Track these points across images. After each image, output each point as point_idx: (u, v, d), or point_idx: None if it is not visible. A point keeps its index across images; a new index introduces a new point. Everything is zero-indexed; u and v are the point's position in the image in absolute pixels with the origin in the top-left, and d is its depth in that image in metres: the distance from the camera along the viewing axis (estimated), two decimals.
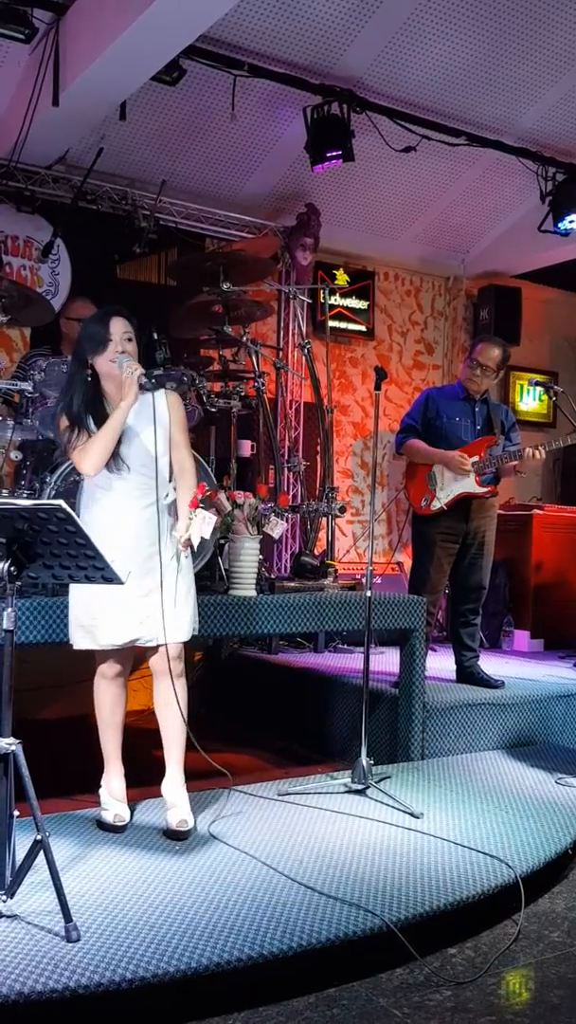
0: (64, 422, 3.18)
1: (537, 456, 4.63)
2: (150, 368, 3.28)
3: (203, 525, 3.22)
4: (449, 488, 4.77)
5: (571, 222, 6.44)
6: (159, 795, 3.30)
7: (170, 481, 3.27)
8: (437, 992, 2.53)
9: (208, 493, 3.41)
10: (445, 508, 4.78)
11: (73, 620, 3.19)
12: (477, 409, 4.91)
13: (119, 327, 3.16)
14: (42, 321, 4.64)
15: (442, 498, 4.79)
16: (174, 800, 3.25)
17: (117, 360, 3.13)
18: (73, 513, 2.44)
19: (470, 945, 2.82)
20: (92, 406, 3.17)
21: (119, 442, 3.14)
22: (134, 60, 4.49)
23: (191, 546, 3.26)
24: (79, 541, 2.51)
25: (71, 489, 3.72)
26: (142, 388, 3.13)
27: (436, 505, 4.80)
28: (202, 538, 3.28)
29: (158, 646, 3.19)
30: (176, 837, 3.17)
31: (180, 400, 3.37)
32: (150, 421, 3.19)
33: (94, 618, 3.13)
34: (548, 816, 3.57)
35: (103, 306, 3.30)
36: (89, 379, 3.18)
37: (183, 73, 5.05)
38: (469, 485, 4.75)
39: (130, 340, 3.18)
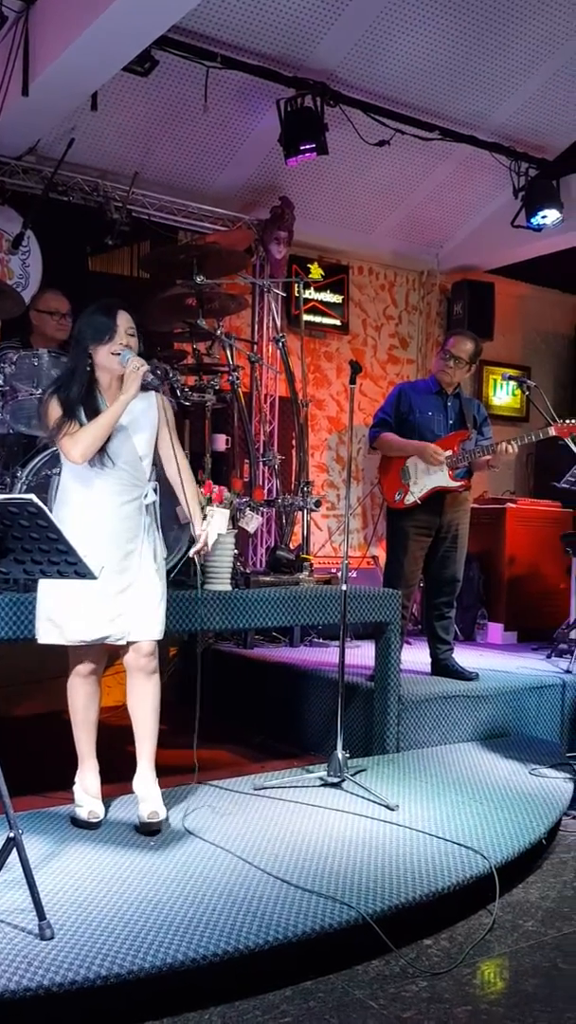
0: (56, 409, 3.14)
1: (510, 450, 4.65)
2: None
3: (218, 521, 3.24)
4: (422, 482, 4.78)
5: (544, 217, 6.46)
6: (133, 792, 3.29)
7: (149, 480, 3.24)
8: (413, 983, 2.54)
9: (215, 492, 3.44)
10: (419, 502, 4.80)
11: (42, 613, 3.16)
12: (450, 404, 4.92)
13: (124, 320, 3.16)
14: (12, 313, 4.59)
15: (415, 492, 4.80)
16: (145, 795, 3.24)
17: (121, 354, 3.11)
18: (45, 507, 2.42)
19: (445, 936, 2.84)
20: (88, 397, 3.14)
21: (108, 437, 3.11)
22: (105, 50, 4.44)
23: (207, 545, 3.30)
24: (51, 536, 2.48)
25: (43, 484, 3.69)
26: (146, 386, 3.11)
27: (409, 499, 4.81)
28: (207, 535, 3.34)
29: (129, 644, 3.18)
30: (148, 830, 3.15)
31: (168, 401, 3.37)
32: (142, 421, 3.18)
33: (64, 613, 3.10)
34: (522, 807, 3.59)
35: (78, 299, 3.28)
36: (89, 369, 3.16)
37: (155, 64, 5.01)
38: (442, 479, 4.76)
39: (133, 335, 3.17)
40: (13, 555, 2.54)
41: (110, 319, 3.14)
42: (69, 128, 5.38)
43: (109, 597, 3.10)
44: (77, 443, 3.08)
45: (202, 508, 3.48)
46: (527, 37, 5.59)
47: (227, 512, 3.36)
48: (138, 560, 3.17)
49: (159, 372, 4.35)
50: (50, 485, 3.58)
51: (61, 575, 2.61)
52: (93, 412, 3.13)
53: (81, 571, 2.57)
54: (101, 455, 3.11)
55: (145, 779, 3.26)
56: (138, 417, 3.20)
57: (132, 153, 5.84)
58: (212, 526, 3.26)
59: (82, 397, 3.14)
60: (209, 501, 3.42)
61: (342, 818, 3.41)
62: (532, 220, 6.51)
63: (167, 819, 3.24)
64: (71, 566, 2.56)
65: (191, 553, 3.40)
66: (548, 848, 3.55)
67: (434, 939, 2.81)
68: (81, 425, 3.10)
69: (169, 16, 4.28)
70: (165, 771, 3.38)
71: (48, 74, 4.57)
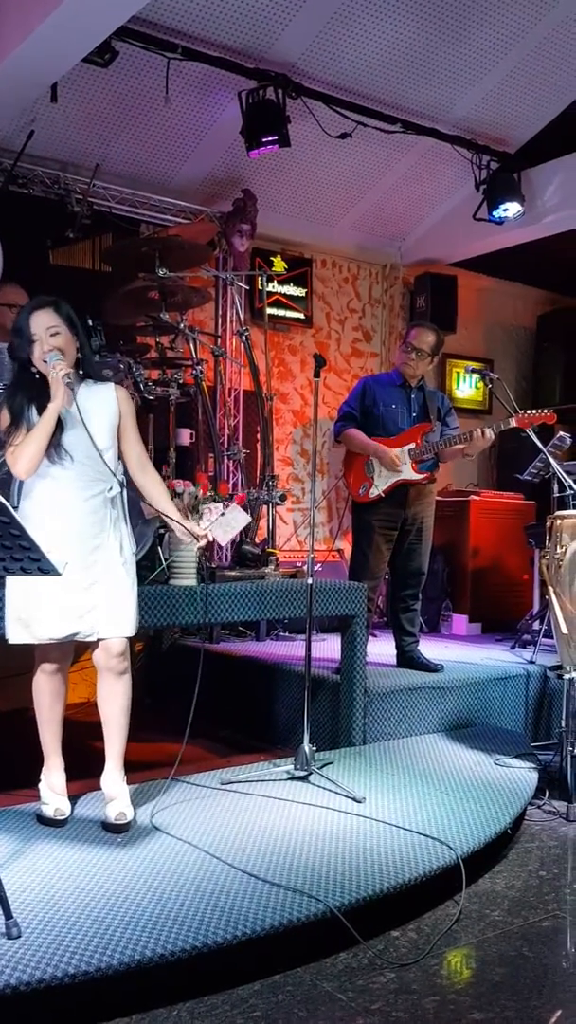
0: (6, 418, 3.11)
1: (486, 435, 4.67)
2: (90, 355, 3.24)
3: (238, 519, 3.25)
4: (386, 476, 4.81)
5: (505, 210, 6.50)
6: (100, 788, 3.27)
7: (115, 474, 3.21)
8: (381, 975, 2.55)
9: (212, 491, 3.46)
10: (383, 495, 4.82)
11: (11, 613, 3.12)
12: (413, 396, 4.95)
13: (41, 323, 3.08)
14: None
15: (379, 485, 4.82)
16: (113, 794, 3.22)
17: (48, 359, 3.06)
18: (7, 504, 2.39)
19: (413, 927, 2.86)
20: (39, 400, 3.10)
21: (62, 431, 3.08)
22: (64, 41, 4.40)
23: (213, 542, 3.31)
24: (13, 532, 2.45)
25: (4, 480, 3.65)
26: (69, 386, 3.06)
27: (374, 492, 4.83)
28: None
29: (99, 640, 3.15)
30: (115, 830, 3.14)
31: (128, 394, 3.33)
32: (97, 413, 3.14)
33: (32, 611, 3.07)
34: (487, 797, 3.62)
35: (38, 292, 3.23)
36: (37, 376, 3.12)
37: (115, 55, 4.96)
38: (406, 472, 4.79)
39: (55, 334, 3.08)
40: None
41: (26, 326, 3.09)
42: (29, 120, 5.32)
43: (77, 593, 3.07)
44: (17, 460, 3.05)
45: (196, 506, 3.51)
46: (488, 30, 5.61)
47: (245, 515, 3.37)
48: (105, 555, 3.14)
49: (120, 367, 4.33)
50: (12, 482, 3.54)
51: (24, 572, 2.58)
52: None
53: (45, 568, 2.54)
54: (58, 451, 3.08)
55: (113, 778, 3.25)
56: (94, 410, 3.14)
57: (93, 145, 5.78)
58: (219, 527, 3.25)
59: (31, 401, 3.10)
60: (218, 498, 3.43)
61: (309, 811, 3.41)
62: (494, 213, 6.55)
63: (135, 818, 3.23)
64: (34, 563, 2.54)
65: (196, 548, 3.36)
66: (513, 838, 3.59)
67: (401, 930, 2.83)
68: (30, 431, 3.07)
69: (129, 6, 4.25)
70: (133, 767, 3.36)
71: (6, 65, 4.51)
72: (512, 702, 4.95)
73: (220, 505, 3.87)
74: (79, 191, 5.81)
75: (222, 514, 3.55)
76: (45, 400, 3.09)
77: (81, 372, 3.19)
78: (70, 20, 4.16)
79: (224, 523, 3.39)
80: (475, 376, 7.81)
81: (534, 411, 4.70)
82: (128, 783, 3.29)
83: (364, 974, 2.56)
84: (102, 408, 3.19)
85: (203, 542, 3.43)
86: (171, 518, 3.35)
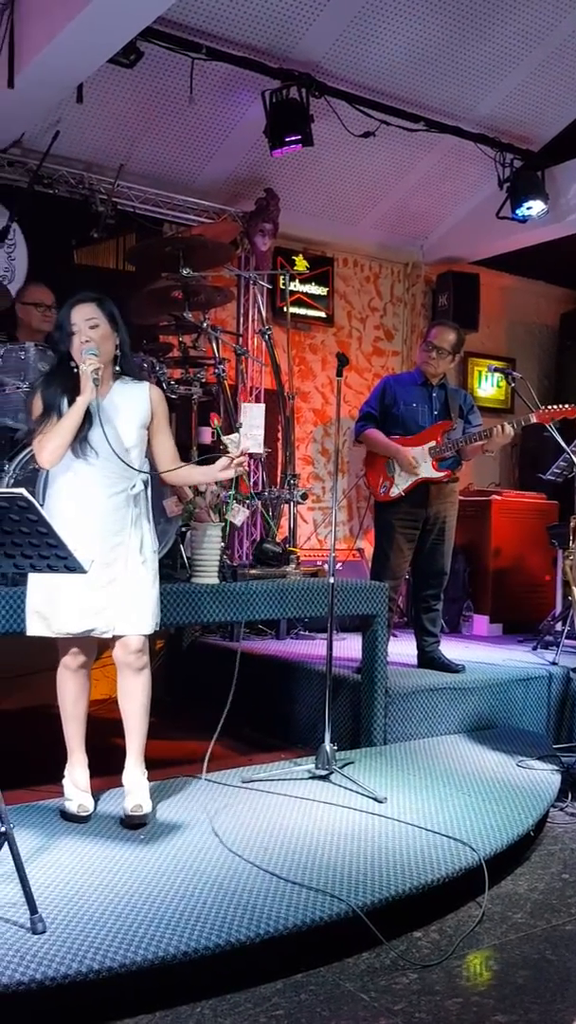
0: (38, 407, 3.14)
1: (505, 431, 4.66)
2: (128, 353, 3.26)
3: (253, 419, 3.24)
4: (407, 474, 4.80)
5: (529, 208, 6.46)
6: (123, 784, 3.29)
7: (140, 472, 3.23)
8: (403, 975, 2.56)
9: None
10: (403, 494, 4.82)
11: (31, 606, 3.15)
12: (435, 394, 4.94)
13: (81, 314, 3.12)
14: None
15: (400, 484, 4.82)
16: (132, 788, 3.24)
17: (83, 352, 3.09)
18: (35, 501, 2.41)
19: (435, 928, 2.86)
20: (72, 393, 3.12)
21: (89, 427, 3.10)
22: (91, 42, 4.41)
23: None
24: (41, 530, 2.47)
25: (30, 477, 3.67)
26: (95, 382, 3.08)
27: (394, 491, 4.83)
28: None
29: (115, 637, 3.17)
30: (132, 823, 3.16)
31: (162, 393, 3.35)
32: (129, 412, 3.17)
33: (51, 605, 3.10)
34: (510, 799, 3.61)
35: (64, 292, 3.26)
36: (74, 369, 3.13)
37: (141, 56, 4.97)
38: (426, 470, 4.79)
39: (94, 327, 3.12)
40: (3, 549, 2.53)
41: (66, 318, 3.13)
42: (54, 120, 5.34)
43: (95, 590, 3.09)
44: (42, 449, 3.08)
45: (218, 506, 3.51)
46: (512, 28, 5.58)
47: (259, 408, 3.35)
48: (125, 552, 3.16)
49: (144, 366, 4.34)
50: (37, 478, 3.57)
51: (51, 569, 2.60)
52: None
53: (71, 565, 2.56)
54: (83, 446, 3.10)
55: (133, 774, 3.27)
56: (124, 408, 3.18)
57: (117, 145, 5.80)
58: (247, 433, 3.24)
59: (65, 393, 3.12)
60: (244, 498, 3.43)
61: (331, 811, 3.42)
62: (517, 211, 6.51)
63: (153, 812, 3.24)
64: (61, 560, 2.56)
65: (234, 463, 3.31)
66: (536, 840, 3.58)
67: (424, 931, 2.83)
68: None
69: (155, 7, 4.25)
70: (154, 764, 3.38)
71: (33, 66, 4.53)
72: (534, 704, 4.93)
73: (244, 508, 3.89)
74: (103, 191, 5.83)
75: (239, 426, 3.52)
76: (77, 393, 3.11)
77: (118, 368, 3.22)
78: (96, 22, 4.17)
79: (246, 432, 3.36)
80: (497, 375, 7.76)
81: (555, 406, 4.69)
82: (149, 780, 3.31)
83: (387, 974, 2.56)
84: (132, 406, 3.21)
85: (243, 460, 3.36)
86: (207, 474, 3.37)
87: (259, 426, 3.39)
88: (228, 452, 3.36)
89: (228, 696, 3.52)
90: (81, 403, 3.07)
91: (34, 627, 3.15)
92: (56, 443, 3.06)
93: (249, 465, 3.28)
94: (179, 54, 5.19)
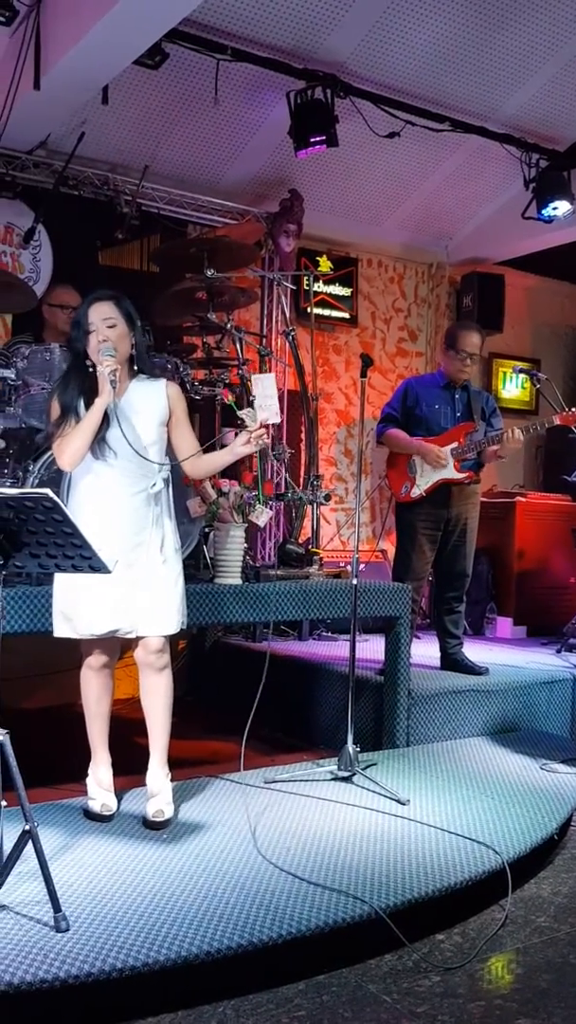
0: (56, 409, 3.15)
1: (516, 437, 4.64)
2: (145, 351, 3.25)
3: (266, 389, 3.24)
4: (428, 475, 4.79)
5: (554, 209, 6.42)
6: (145, 784, 3.30)
7: (159, 471, 3.23)
8: (426, 978, 2.55)
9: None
10: (424, 495, 4.80)
11: (56, 608, 3.17)
12: (457, 396, 4.92)
13: (99, 314, 3.11)
14: (24, 308, 4.59)
15: (421, 485, 4.81)
16: (155, 790, 3.25)
17: (101, 351, 3.09)
18: (60, 502, 2.42)
19: (458, 931, 2.84)
20: (88, 394, 3.13)
21: (107, 427, 3.11)
22: (116, 44, 4.43)
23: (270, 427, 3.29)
24: (66, 530, 2.49)
25: (55, 477, 3.69)
26: (113, 383, 3.08)
27: (416, 492, 4.82)
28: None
29: (139, 638, 3.18)
30: (153, 827, 3.17)
31: (179, 390, 3.34)
32: (147, 410, 3.17)
33: (75, 606, 3.11)
34: (533, 802, 3.59)
35: (89, 293, 3.26)
36: (91, 369, 3.14)
37: (166, 57, 4.99)
38: (448, 471, 4.77)
39: (112, 326, 3.11)
40: (28, 549, 2.55)
41: (84, 317, 3.12)
42: (80, 122, 5.37)
43: (118, 590, 3.10)
44: (62, 451, 3.09)
45: (241, 506, 3.49)
46: (538, 27, 5.55)
47: (271, 376, 3.33)
48: (146, 552, 3.16)
49: (168, 367, 4.36)
50: (62, 479, 3.58)
51: (76, 569, 2.62)
52: None
53: (96, 565, 2.58)
54: (101, 447, 3.11)
55: (156, 774, 3.27)
56: (140, 406, 3.18)
57: (142, 146, 5.83)
58: (261, 403, 3.23)
59: (82, 394, 3.12)
60: (267, 499, 3.41)
61: (353, 812, 3.41)
62: (543, 212, 6.47)
63: (175, 812, 3.25)
64: (86, 560, 2.57)
65: (253, 436, 3.24)
66: (560, 844, 3.55)
67: (447, 934, 2.82)
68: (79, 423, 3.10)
69: (180, 9, 4.26)
70: (177, 764, 3.39)
71: (59, 68, 4.56)
72: (558, 707, 4.90)
73: (268, 509, 3.89)
74: (128, 192, 5.86)
75: (253, 398, 3.49)
76: (94, 395, 3.11)
77: (136, 368, 3.23)
78: (122, 23, 4.19)
79: (261, 403, 3.34)
80: (522, 376, 7.71)
81: None
82: (172, 780, 3.32)
83: (409, 977, 2.55)
84: (150, 404, 3.21)
85: (263, 432, 3.27)
86: (230, 452, 3.30)
87: (272, 396, 3.37)
88: (247, 427, 3.33)
89: (254, 696, 3.52)
90: (99, 405, 3.06)
91: (60, 629, 3.18)
92: (76, 445, 3.07)
93: (270, 433, 3.25)
94: (204, 55, 5.20)
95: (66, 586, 3.13)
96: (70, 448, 3.07)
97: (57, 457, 3.12)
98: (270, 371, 6.48)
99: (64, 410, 3.13)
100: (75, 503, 3.15)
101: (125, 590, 3.11)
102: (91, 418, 3.07)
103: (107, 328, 3.11)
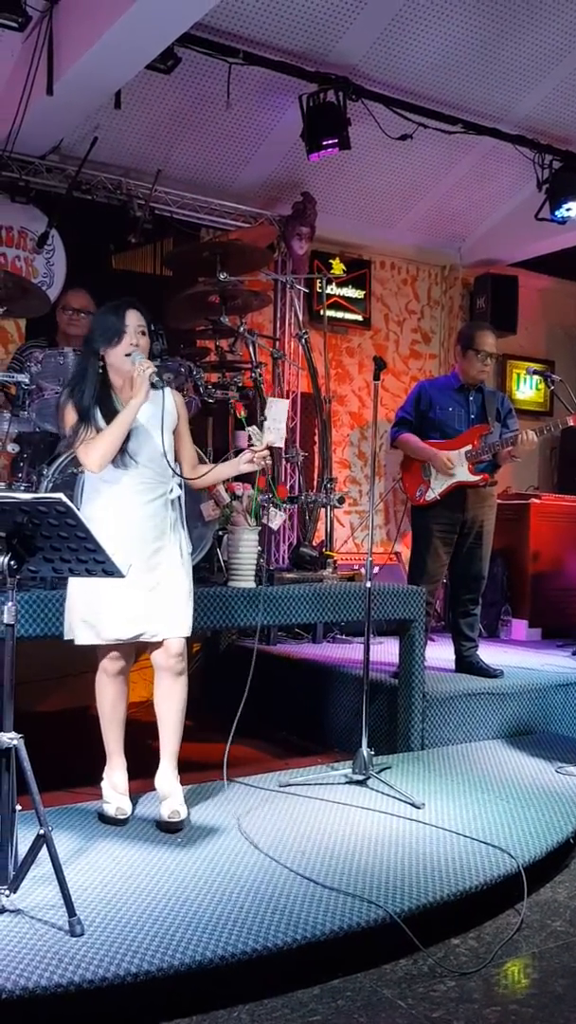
0: (72, 415, 3.15)
1: (531, 437, 4.62)
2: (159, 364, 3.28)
3: (277, 414, 3.29)
4: (443, 478, 4.78)
5: (568, 210, 6.41)
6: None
7: (174, 476, 3.25)
8: (441, 982, 2.54)
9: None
10: (439, 498, 4.79)
11: (75, 615, 3.16)
12: (472, 398, 4.91)
13: (134, 319, 3.14)
14: (37, 312, 4.61)
15: (436, 488, 4.79)
16: (166, 792, 3.25)
17: (132, 355, 3.10)
18: (73, 506, 2.43)
19: (473, 935, 2.83)
20: (100, 400, 3.14)
21: (127, 437, 3.12)
22: (129, 48, 4.45)
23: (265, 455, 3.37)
24: (80, 535, 2.49)
25: (68, 481, 3.71)
26: (153, 385, 3.11)
27: (430, 495, 4.80)
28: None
29: (159, 641, 3.18)
30: (169, 829, 3.17)
31: (182, 397, 3.39)
32: (158, 416, 3.18)
33: (98, 613, 3.11)
34: (549, 805, 3.57)
35: (102, 297, 3.27)
36: (101, 371, 3.16)
37: (178, 61, 5.00)
38: (462, 474, 4.76)
39: (144, 334, 3.16)
40: (42, 553, 2.56)
41: (119, 319, 3.13)
42: (92, 127, 5.40)
43: (141, 594, 3.11)
44: (92, 452, 3.09)
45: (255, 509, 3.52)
46: (550, 28, 5.53)
47: (282, 404, 3.40)
48: (167, 556, 3.18)
49: (181, 370, 4.37)
50: (76, 483, 3.59)
51: (89, 573, 2.62)
52: (110, 414, 3.12)
53: (109, 569, 2.58)
54: (122, 455, 3.12)
55: (167, 777, 3.27)
56: (155, 413, 3.19)
57: (155, 151, 5.84)
58: (271, 426, 3.29)
59: (97, 400, 3.14)
60: (281, 503, 3.44)
61: (368, 816, 3.40)
62: (556, 212, 6.46)
63: (189, 817, 3.25)
64: (99, 564, 2.58)
65: (257, 456, 3.33)
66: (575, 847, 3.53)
67: (462, 938, 2.80)
68: (98, 429, 3.10)
69: (193, 14, 4.28)
70: (189, 767, 3.39)
71: (72, 73, 4.58)
72: (573, 709, 4.87)
73: (282, 512, 3.90)
74: (141, 196, 5.88)
75: (263, 419, 3.55)
76: (107, 400, 3.13)
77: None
78: (134, 28, 4.21)
79: (270, 426, 3.39)
80: (536, 377, 7.70)
81: None
82: (184, 783, 3.32)
83: (425, 981, 2.54)
84: (162, 411, 3.22)
85: (266, 454, 3.37)
86: (231, 467, 3.39)
87: (282, 420, 3.43)
88: (252, 445, 3.39)
89: (268, 699, 3.52)
90: (135, 405, 3.08)
91: (82, 636, 3.17)
92: (106, 448, 3.07)
93: (274, 456, 3.34)
94: (216, 59, 5.22)
95: (87, 593, 3.12)
96: (99, 450, 3.08)
97: (84, 459, 3.12)
98: (283, 376, 6.49)
99: (82, 415, 3.13)
100: (94, 509, 3.15)
101: (147, 594, 3.12)
102: (125, 418, 3.08)
103: (139, 335, 3.14)
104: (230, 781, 3.70)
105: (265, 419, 3.51)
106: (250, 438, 3.46)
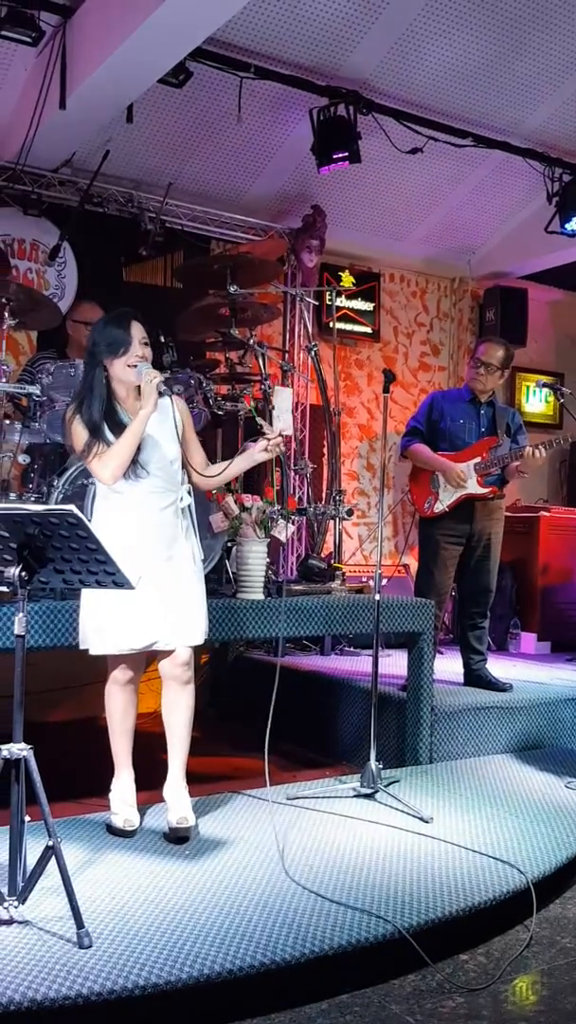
0: (82, 431, 3.16)
1: (537, 455, 4.62)
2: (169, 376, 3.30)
3: (282, 401, 3.31)
4: (451, 490, 4.77)
5: None
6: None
7: (183, 484, 3.26)
8: (450, 998, 2.52)
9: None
10: (447, 510, 4.79)
11: (89, 625, 3.18)
12: (483, 411, 4.91)
13: (138, 331, 3.17)
14: (49, 324, 4.63)
15: (444, 500, 4.79)
16: (174, 802, 3.25)
17: (138, 367, 3.12)
18: (84, 518, 2.44)
19: (482, 951, 2.81)
20: (110, 416, 3.16)
21: (137, 448, 3.13)
22: (141, 63, 4.49)
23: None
24: (90, 546, 2.50)
25: (79, 492, 3.72)
26: (159, 395, 3.13)
27: (439, 507, 4.80)
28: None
29: (171, 650, 3.19)
30: (177, 836, 3.16)
31: (184, 404, 3.41)
32: (165, 425, 3.20)
33: (111, 623, 3.12)
34: (558, 820, 3.55)
35: (113, 309, 3.29)
36: (105, 382, 3.17)
37: (190, 75, 5.04)
38: (471, 486, 4.76)
39: (147, 344, 3.18)
40: (53, 565, 2.56)
41: (124, 331, 3.14)
42: (104, 140, 5.43)
43: (154, 603, 3.11)
44: (105, 466, 3.10)
45: (264, 521, 3.54)
46: (560, 43, 5.55)
47: (287, 392, 3.43)
48: (179, 565, 3.20)
49: (191, 382, 4.38)
50: (86, 493, 3.60)
51: (99, 584, 2.63)
52: (116, 426, 3.14)
53: (119, 580, 2.59)
54: (133, 466, 3.13)
55: (175, 786, 3.27)
56: (162, 422, 3.21)
57: (166, 164, 5.88)
58: (279, 415, 3.31)
59: (103, 414, 3.15)
60: (289, 514, 3.47)
61: (376, 830, 3.39)
62: (566, 225, 6.47)
63: (196, 826, 3.25)
64: (109, 576, 2.58)
65: (271, 443, 3.35)
66: None
67: (471, 954, 2.79)
68: (108, 442, 3.12)
69: (204, 28, 4.31)
70: (198, 779, 3.38)
71: (85, 87, 4.62)
72: None
73: (290, 524, 3.90)
74: (152, 209, 5.91)
75: (272, 408, 3.59)
76: (112, 412, 3.16)
77: None
78: (147, 43, 4.24)
79: (278, 414, 3.42)
80: (546, 390, 7.71)
81: None
82: (192, 795, 3.31)
83: (433, 997, 2.53)
84: (166, 421, 3.24)
85: (279, 441, 3.39)
86: (247, 459, 3.40)
87: (287, 409, 3.49)
88: (264, 434, 3.41)
89: (266, 711, 3.49)
90: (144, 415, 3.10)
91: (96, 646, 3.18)
92: (120, 459, 3.09)
93: (286, 441, 3.38)
94: (228, 73, 5.25)
95: (100, 603, 3.13)
96: (113, 462, 3.09)
97: (99, 472, 3.13)
98: (291, 386, 6.51)
99: (94, 430, 3.15)
100: (105, 519, 3.16)
101: (159, 603, 3.13)
102: (136, 428, 3.10)
103: (143, 346, 3.16)
104: (239, 793, 3.69)
105: (273, 408, 3.54)
106: (261, 428, 3.49)
